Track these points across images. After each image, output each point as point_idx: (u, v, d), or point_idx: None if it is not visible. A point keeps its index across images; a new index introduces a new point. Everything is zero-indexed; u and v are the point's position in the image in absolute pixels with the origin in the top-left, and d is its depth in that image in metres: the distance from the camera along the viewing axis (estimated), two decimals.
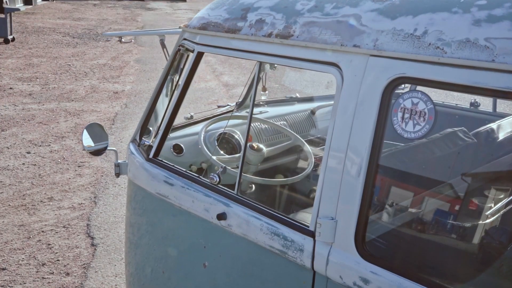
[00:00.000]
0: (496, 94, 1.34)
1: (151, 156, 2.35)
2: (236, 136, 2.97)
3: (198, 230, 2.12)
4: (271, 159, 2.92)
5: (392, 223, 1.86)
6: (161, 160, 2.33)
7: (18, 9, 14.21)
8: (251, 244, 1.91)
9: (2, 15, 12.37)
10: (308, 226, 1.73)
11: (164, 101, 2.63)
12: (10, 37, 12.59)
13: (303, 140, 2.92)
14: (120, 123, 7.40)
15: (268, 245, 1.83)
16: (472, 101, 3.31)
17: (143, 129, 2.56)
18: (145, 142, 2.49)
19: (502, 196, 2.10)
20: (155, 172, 2.29)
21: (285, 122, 3.21)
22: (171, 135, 2.88)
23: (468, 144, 2.16)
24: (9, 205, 5.00)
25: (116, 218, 4.83)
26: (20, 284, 3.87)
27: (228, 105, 3.33)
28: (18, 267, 4.07)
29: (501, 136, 2.39)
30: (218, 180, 2.07)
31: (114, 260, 4.19)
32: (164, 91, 2.62)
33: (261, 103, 3.45)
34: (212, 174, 2.08)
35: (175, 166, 2.27)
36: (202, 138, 2.68)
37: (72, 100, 8.33)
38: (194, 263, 2.14)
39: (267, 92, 3.30)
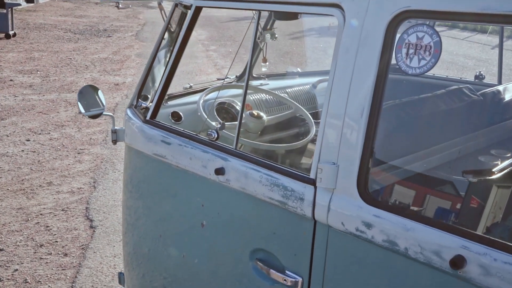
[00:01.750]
0: (509, 20, 1.27)
1: (148, 118, 2.29)
2: (236, 106, 2.91)
3: (195, 188, 2.06)
4: (272, 131, 2.86)
5: (395, 167, 1.80)
6: (158, 122, 2.27)
7: (19, 4, 14.20)
8: (250, 198, 1.85)
9: (3, 10, 12.35)
10: (308, 175, 1.67)
11: (161, 66, 2.58)
12: (11, 32, 12.56)
13: (303, 109, 2.86)
14: (121, 112, 7.34)
15: (267, 197, 1.77)
16: (477, 73, 3.25)
17: (140, 93, 2.50)
18: (142, 104, 2.44)
19: (509, 155, 2.04)
20: (152, 133, 2.23)
21: (286, 95, 3.15)
22: (170, 103, 2.82)
23: (474, 100, 2.10)
24: (8, 189, 4.95)
25: (116, 201, 4.77)
26: (18, 264, 3.81)
27: (227, 77, 3.28)
28: (16, 248, 4.01)
29: (508, 97, 2.33)
30: (216, 136, 2.01)
31: (113, 241, 4.13)
32: (161, 54, 2.57)
33: (262, 76, 3.40)
34: (210, 130, 2.02)
35: (173, 126, 2.21)
36: (201, 104, 2.63)
37: (73, 91, 8.29)
38: (192, 223, 2.08)
39: (267, 63, 3.25)
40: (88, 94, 2.53)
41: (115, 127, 2.58)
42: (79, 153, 5.90)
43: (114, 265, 3.82)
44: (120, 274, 3.01)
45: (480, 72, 3.23)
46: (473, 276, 1.32)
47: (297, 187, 1.69)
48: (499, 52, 2.82)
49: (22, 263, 3.82)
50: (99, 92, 2.56)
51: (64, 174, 5.34)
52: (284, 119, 2.89)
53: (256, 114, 2.71)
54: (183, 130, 2.16)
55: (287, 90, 3.21)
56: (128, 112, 2.50)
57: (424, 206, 1.66)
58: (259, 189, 1.79)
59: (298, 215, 1.70)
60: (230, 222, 1.95)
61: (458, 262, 1.32)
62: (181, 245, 2.17)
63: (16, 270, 3.74)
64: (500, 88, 2.35)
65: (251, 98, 3.05)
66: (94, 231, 4.29)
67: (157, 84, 2.52)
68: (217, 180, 1.94)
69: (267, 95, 3.07)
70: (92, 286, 3.59)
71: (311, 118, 2.81)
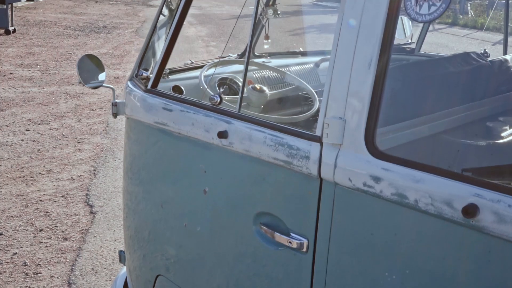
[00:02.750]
0: None
1: (149, 87, 2.25)
2: (238, 82, 2.87)
3: (197, 155, 2.02)
4: (274, 105, 2.82)
5: (403, 122, 1.75)
6: (160, 90, 2.23)
7: (19, 0, 14.15)
8: (254, 161, 1.80)
9: (3, 6, 12.30)
10: (314, 132, 1.63)
11: (161, 41, 2.54)
12: (11, 28, 12.51)
13: (307, 85, 2.82)
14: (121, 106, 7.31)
15: (272, 158, 1.73)
16: (482, 51, 3.21)
17: (140, 64, 2.46)
18: (143, 73, 2.39)
19: None
20: (154, 102, 2.19)
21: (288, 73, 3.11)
22: (171, 77, 2.78)
23: (482, 65, 2.05)
24: (7, 176, 4.90)
25: (116, 188, 4.73)
26: (17, 248, 3.77)
27: (229, 55, 3.24)
28: (15, 232, 3.97)
29: None
30: (219, 100, 1.97)
31: (113, 226, 4.09)
32: (162, 32, 2.53)
33: (264, 54, 3.36)
34: (213, 94, 1.98)
35: (174, 94, 2.17)
36: (202, 77, 2.58)
37: (73, 84, 8.25)
38: (194, 190, 2.04)
39: (269, 40, 3.20)
40: (88, 65, 2.49)
41: (116, 100, 2.54)
42: (79, 142, 5.86)
43: (115, 248, 3.78)
44: (121, 252, 2.96)
45: (485, 49, 3.19)
46: (486, 225, 1.28)
47: (303, 145, 1.64)
48: (505, 23, 2.78)
49: (21, 247, 3.78)
50: (100, 63, 2.52)
51: (64, 162, 5.30)
52: (287, 95, 2.84)
53: (258, 87, 2.67)
54: (185, 97, 2.12)
55: (289, 69, 3.17)
56: (129, 83, 2.46)
57: (434, 158, 1.62)
58: (264, 150, 1.75)
59: (303, 174, 1.65)
60: (233, 187, 1.91)
61: (470, 210, 1.28)
62: (182, 214, 2.13)
63: (16, 253, 3.70)
64: (508, 57, 2.31)
65: (254, 75, 3.01)
66: (94, 216, 4.25)
67: (157, 56, 2.48)
68: (220, 144, 1.90)
69: (270, 72, 3.03)
70: (92, 268, 3.55)
71: (315, 94, 2.77)
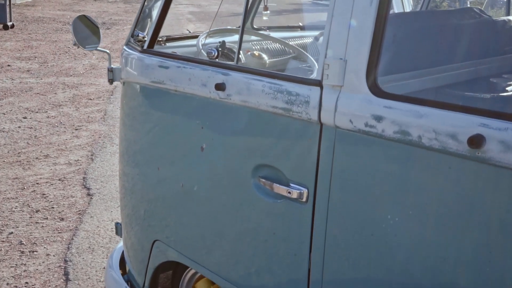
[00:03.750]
0: None
1: (145, 47, 2.21)
2: (235, 50, 2.82)
3: (194, 111, 1.97)
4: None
5: (405, 70, 1.70)
6: (156, 50, 2.19)
7: None
8: (252, 113, 1.76)
9: (2, 1, 12.26)
10: (313, 76, 1.58)
11: (155, 7, 2.49)
12: (9, 24, 12.47)
13: (306, 54, 2.78)
14: (119, 94, 7.26)
15: (270, 107, 1.68)
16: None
17: (136, 26, 2.41)
18: (139, 34, 2.35)
19: None
20: (150, 61, 2.15)
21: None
22: (168, 44, 2.73)
23: (486, 20, 2.01)
24: (4, 161, 4.86)
25: (114, 172, 4.68)
26: (13, 228, 3.72)
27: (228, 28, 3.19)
28: (11, 213, 3.92)
29: None
30: (216, 54, 1.92)
31: (110, 207, 4.04)
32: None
33: (262, 27, 3.31)
34: (210, 48, 1.94)
35: (170, 53, 2.13)
36: (200, 43, 2.54)
37: (71, 76, 8.20)
38: (191, 148, 1.99)
39: (268, 12, 3.16)
40: (83, 28, 2.44)
41: (112, 66, 2.49)
42: (76, 129, 5.81)
43: (112, 228, 3.73)
44: (117, 224, 2.92)
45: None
46: (492, 155, 1.23)
47: (302, 90, 1.60)
48: None
49: (17, 227, 3.73)
50: (96, 28, 2.47)
51: (62, 148, 5.25)
52: (286, 64, 2.80)
53: (257, 54, 2.62)
54: (181, 55, 2.08)
55: (288, 41, 3.13)
56: (125, 48, 2.41)
57: (438, 94, 1.58)
58: (262, 99, 1.70)
59: (303, 121, 1.61)
60: (231, 141, 1.86)
61: (476, 140, 1.23)
62: (179, 174, 2.08)
63: (11, 233, 3.65)
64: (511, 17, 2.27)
65: (253, 47, 2.96)
66: (91, 198, 4.20)
67: (153, 18, 2.44)
68: (217, 97, 1.85)
69: (269, 44, 2.99)
70: (89, 247, 3.50)
71: (315, 62, 2.72)
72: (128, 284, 2.62)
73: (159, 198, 2.23)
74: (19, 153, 5.06)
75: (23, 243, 3.52)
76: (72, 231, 3.69)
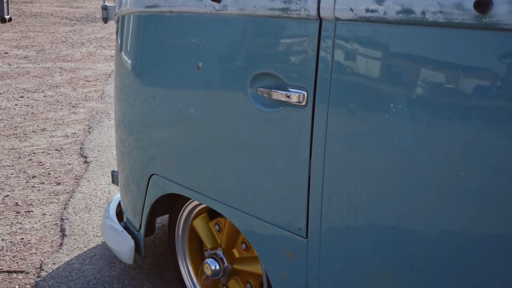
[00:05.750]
0: None
1: None
2: None
3: (190, 30, 1.92)
4: None
5: None
6: None
7: None
8: (249, 21, 1.71)
9: None
10: None
11: None
12: (7, 17, 12.43)
13: None
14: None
15: (268, 9, 1.63)
16: None
17: None
18: None
19: None
20: None
21: None
22: None
23: None
24: (0, 134, 4.80)
25: (111, 142, 4.62)
26: (9, 191, 3.66)
27: None
28: (7, 179, 3.86)
29: None
30: None
31: (107, 173, 3.98)
32: None
33: None
34: None
35: None
36: None
37: (68, 61, 8.16)
38: (187, 69, 1.94)
39: None
40: None
41: (105, 3, 2.44)
42: (74, 106, 5.76)
43: (109, 191, 3.67)
44: (113, 172, 2.86)
45: None
46: (500, 19, 1.18)
47: None
48: None
49: (13, 191, 3.67)
50: None
51: (59, 122, 5.20)
52: None
53: None
54: None
55: None
56: None
57: None
58: (259, 3, 1.65)
59: (301, 19, 1.55)
60: (227, 55, 1.81)
61: (483, 3, 1.18)
62: (175, 99, 2.03)
63: (7, 196, 3.59)
64: None
65: None
66: (88, 165, 4.15)
67: None
68: (213, 10, 1.80)
69: None
70: (86, 207, 3.44)
71: None
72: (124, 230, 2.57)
73: (155, 129, 2.18)
74: (15, 127, 5.01)
75: (18, 205, 3.46)
76: (69, 193, 3.63)
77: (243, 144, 1.82)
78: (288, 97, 1.61)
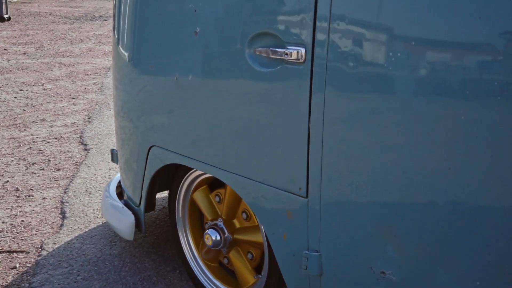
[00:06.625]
0: None
1: None
2: None
3: None
4: None
5: None
6: None
7: None
8: None
9: None
10: None
11: None
12: (5, 16, 12.43)
13: None
14: None
15: None
16: None
17: None
18: None
19: None
20: None
21: None
22: None
23: None
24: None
25: (111, 131, 4.61)
26: (9, 178, 3.66)
27: None
28: (7, 166, 3.86)
29: None
30: None
31: (107, 159, 3.97)
32: None
33: None
34: None
35: None
36: None
37: (67, 57, 8.16)
38: (185, 36, 1.93)
39: None
40: None
41: None
42: (73, 98, 5.75)
43: (109, 176, 3.67)
44: (113, 150, 2.86)
45: None
46: None
47: None
48: None
49: (13, 177, 3.67)
50: None
51: (58, 113, 5.19)
52: None
53: None
54: None
55: None
56: None
57: None
58: None
59: None
60: (225, 17, 1.80)
61: None
62: (173, 67, 2.02)
63: (7, 181, 3.58)
64: None
65: None
66: (88, 152, 4.14)
67: None
68: None
69: None
70: (86, 190, 3.43)
71: None
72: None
73: (153, 99, 2.17)
74: (15, 118, 5.00)
75: (19, 190, 3.45)
76: (69, 178, 3.63)
77: (242, 107, 1.81)
78: (287, 54, 1.60)
